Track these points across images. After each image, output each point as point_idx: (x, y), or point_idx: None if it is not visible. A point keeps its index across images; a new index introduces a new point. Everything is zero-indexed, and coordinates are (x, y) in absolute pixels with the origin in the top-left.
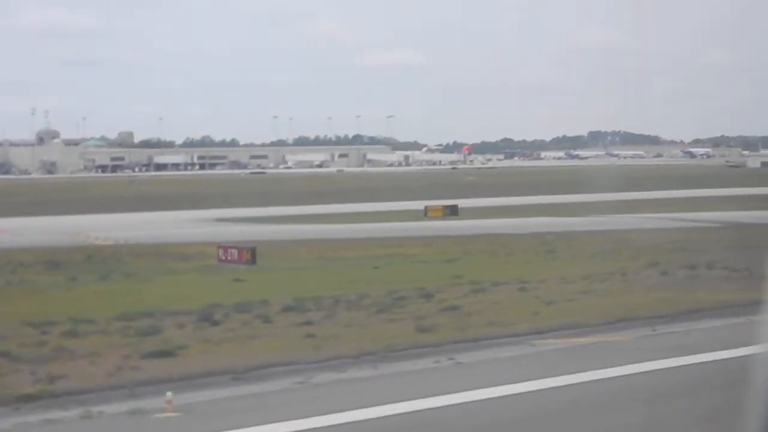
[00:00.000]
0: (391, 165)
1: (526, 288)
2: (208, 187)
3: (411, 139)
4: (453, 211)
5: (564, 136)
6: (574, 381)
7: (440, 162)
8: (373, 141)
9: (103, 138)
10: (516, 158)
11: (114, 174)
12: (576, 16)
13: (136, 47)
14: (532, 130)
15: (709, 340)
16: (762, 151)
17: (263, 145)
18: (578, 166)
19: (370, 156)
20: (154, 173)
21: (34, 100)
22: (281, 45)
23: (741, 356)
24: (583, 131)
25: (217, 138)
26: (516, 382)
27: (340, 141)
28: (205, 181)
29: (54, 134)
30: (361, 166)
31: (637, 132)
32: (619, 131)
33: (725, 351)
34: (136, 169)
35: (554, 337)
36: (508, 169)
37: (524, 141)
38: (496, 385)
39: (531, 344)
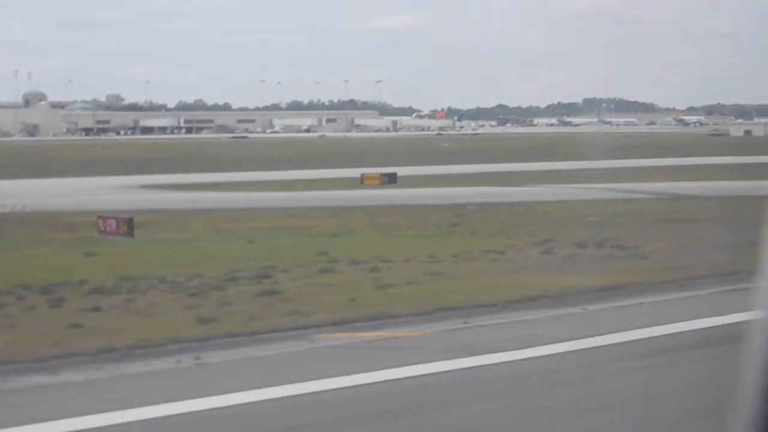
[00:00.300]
0: (379, 130)
1: (380, 268)
2: (174, 152)
3: (405, 105)
4: (391, 179)
5: (559, 103)
6: (315, 389)
7: (429, 128)
8: (366, 106)
9: (91, 101)
10: (509, 125)
11: (95, 137)
12: None
13: (132, 8)
14: (527, 96)
15: (502, 338)
16: (756, 120)
17: (256, 109)
18: (564, 133)
19: (358, 121)
20: (137, 136)
21: (25, 62)
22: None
23: (510, 360)
24: (578, 98)
25: (210, 102)
26: (255, 388)
27: (333, 106)
28: (177, 145)
29: (41, 96)
30: (349, 131)
31: (632, 99)
32: (615, 98)
33: (504, 353)
34: (122, 132)
35: (344, 330)
36: (495, 135)
37: (519, 107)
38: (228, 392)
39: (309, 340)
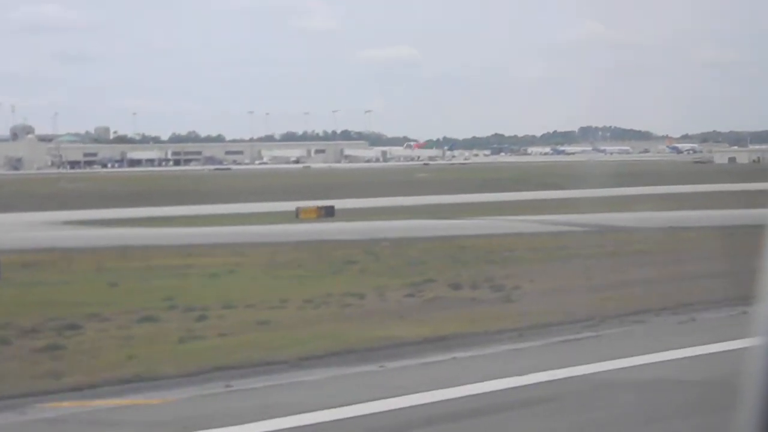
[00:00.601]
0: (368, 161)
1: (209, 317)
2: (142, 185)
3: (400, 135)
4: (328, 213)
5: (555, 132)
6: None
7: (419, 157)
8: (360, 137)
9: (78, 134)
10: (502, 153)
11: (79, 170)
12: (568, 11)
13: (126, 43)
14: (523, 125)
15: (252, 406)
16: (751, 147)
17: (250, 140)
18: (551, 162)
19: (347, 152)
20: (123, 169)
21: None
22: (266, 40)
23: None
24: (574, 127)
25: (203, 134)
26: None
27: (327, 137)
28: (152, 178)
29: (28, 129)
30: (339, 162)
31: (628, 127)
32: (610, 127)
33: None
34: (108, 165)
35: (86, 397)
36: (482, 164)
37: (515, 136)
38: None
39: (21, 412)
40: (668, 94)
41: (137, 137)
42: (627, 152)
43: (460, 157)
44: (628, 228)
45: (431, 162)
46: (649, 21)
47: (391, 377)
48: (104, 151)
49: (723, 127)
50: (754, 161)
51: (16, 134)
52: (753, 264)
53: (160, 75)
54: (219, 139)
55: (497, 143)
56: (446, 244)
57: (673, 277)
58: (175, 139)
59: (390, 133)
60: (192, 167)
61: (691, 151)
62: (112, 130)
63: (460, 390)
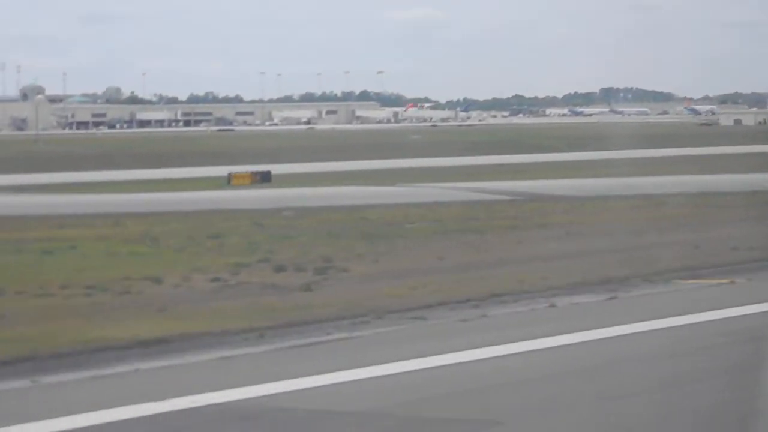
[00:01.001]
0: (380, 122)
1: None
2: (118, 147)
3: (421, 95)
4: (264, 178)
5: (576, 93)
6: None
7: (431, 118)
8: (379, 98)
9: (89, 95)
10: (521, 115)
11: (83, 131)
12: None
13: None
14: (544, 86)
15: None
16: None
17: (270, 101)
18: (563, 124)
19: (359, 113)
20: (132, 130)
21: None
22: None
23: None
24: (595, 88)
25: (221, 95)
26: None
27: (345, 97)
28: (143, 140)
29: (38, 90)
30: (351, 122)
31: (650, 89)
32: (632, 88)
33: None
34: (117, 126)
35: None
36: (492, 126)
37: (536, 98)
38: None
39: None
40: (691, 55)
41: (154, 98)
42: (645, 114)
43: (476, 118)
44: (559, 196)
45: (440, 124)
46: None
47: (35, 396)
48: (114, 112)
49: (744, 89)
50: (760, 123)
51: (26, 95)
52: None
53: (174, 36)
54: (236, 99)
55: (518, 104)
56: (349, 215)
57: (530, 258)
58: (193, 99)
59: (410, 95)
60: (195, 128)
61: (710, 113)
62: (128, 91)
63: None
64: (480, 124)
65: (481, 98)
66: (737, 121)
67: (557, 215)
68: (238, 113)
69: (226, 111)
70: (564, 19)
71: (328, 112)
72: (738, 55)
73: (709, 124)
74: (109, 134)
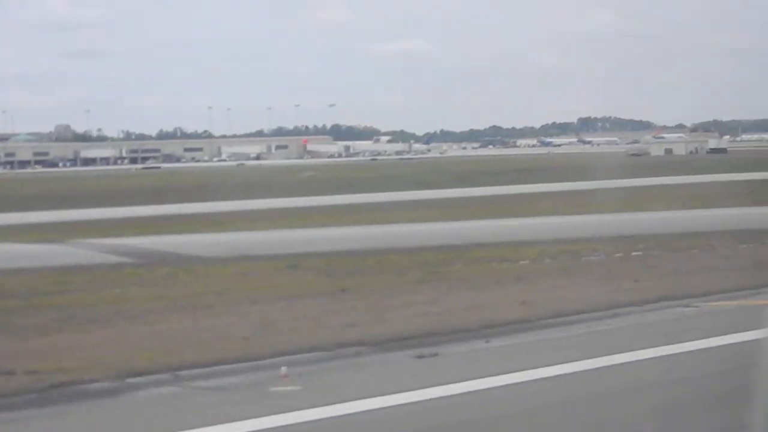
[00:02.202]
0: (331, 156)
1: None
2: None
3: (397, 128)
4: None
5: (553, 123)
6: None
7: (385, 152)
8: (351, 131)
9: (36, 133)
10: (491, 146)
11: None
12: (572, 2)
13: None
14: (522, 117)
15: None
16: (743, 136)
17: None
18: (511, 156)
19: (310, 147)
20: (75, 168)
21: None
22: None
23: None
24: (573, 118)
25: (189, 129)
26: None
27: (317, 131)
28: (48, 179)
29: None
30: (301, 157)
31: (628, 118)
32: (610, 117)
33: None
34: (60, 165)
35: None
36: (436, 160)
37: (513, 128)
38: None
39: None
40: (671, 83)
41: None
42: (615, 143)
43: (436, 150)
44: (198, 257)
45: (382, 158)
46: (657, 11)
47: None
48: (58, 150)
49: (725, 116)
50: (691, 152)
51: None
52: None
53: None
54: (206, 135)
55: (493, 135)
56: None
57: None
58: (164, 135)
59: (385, 127)
60: (120, 166)
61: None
62: (84, 129)
63: None
64: (431, 156)
65: (458, 130)
66: (668, 151)
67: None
68: (187, 149)
69: (175, 147)
70: (543, 50)
71: (278, 147)
72: (719, 82)
73: (639, 155)
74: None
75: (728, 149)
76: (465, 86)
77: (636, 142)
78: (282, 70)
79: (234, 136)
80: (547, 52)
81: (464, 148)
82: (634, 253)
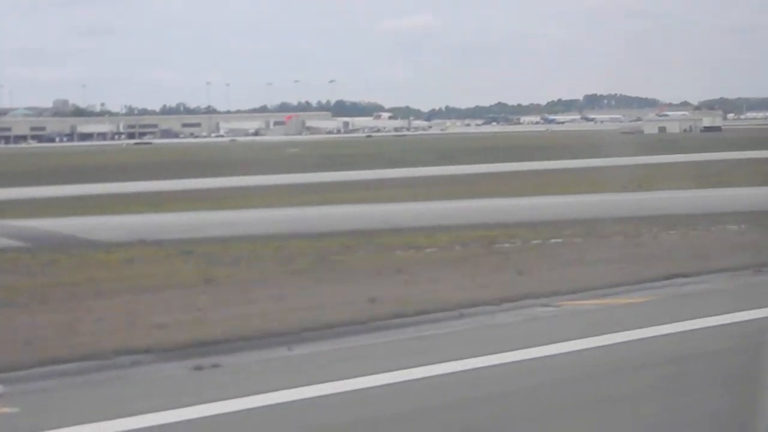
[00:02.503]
0: (329, 132)
1: None
2: None
3: (403, 105)
4: None
5: (559, 100)
6: None
7: (385, 128)
8: (355, 107)
9: (35, 108)
10: (494, 123)
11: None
12: None
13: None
14: (528, 94)
15: None
16: (748, 114)
17: (238, 111)
18: (509, 133)
19: (309, 123)
20: (70, 144)
21: None
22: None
23: None
24: (579, 95)
25: (192, 105)
26: None
27: (321, 107)
28: (17, 155)
29: None
30: (300, 133)
31: (634, 95)
32: (616, 94)
33: None
34: (57, 140)
35: None
36: (434, 137)
37: (519, 105)
38: None
39: None
40: (679, 60)
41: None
42: (618, 121)
43: (438, 127)
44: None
45: (377, 134)
46: None
47: None
48: (55, 125)
49: (732, 94)
50: (685, 130)
51: None
52: None
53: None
54: (209, 110)
55: (499, 112)
56: None
57: None
58: (167, 111)
59: (389, 104)
60: (116, 142)
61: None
62: (60, 102)
63: None
64: (429, 133)
65: (463, 106)
66: (662, 129)
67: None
68: (185, 125)
69: (173, 123)
70: (551, 27)
71: (276, 123)
72: (727, 60)
73: (632, 133)
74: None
75: (723, 127)
76: (471, 63)
77: (639, 119)
78: (286, 46)
79: (238, 111)
80: (553, 29)
81: (468, 125)
82: (553, 240)
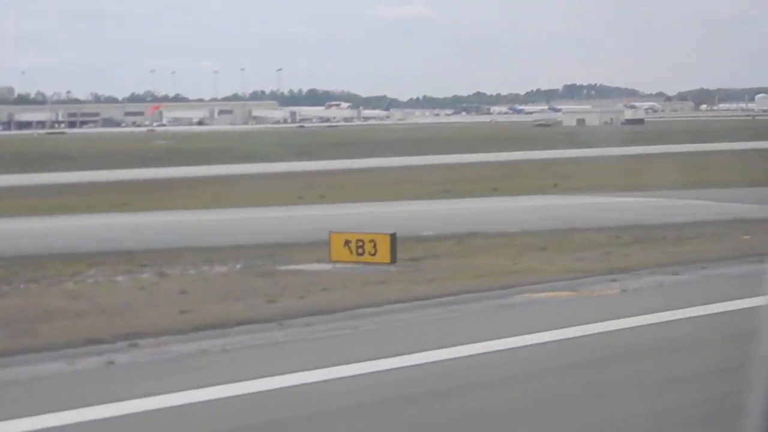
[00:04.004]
0: (276, 122)
1: None
2: None
3: (380, 94)
4: None
5: (538, 90)
6: None
7: (334, 118)
8: (329, 96)
9: None
10: (463, 114)
11: None
12: None
13: None
14: (507, 84)
15: None
16: (720, 105)
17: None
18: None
19: (255, 112)
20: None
21: None
22: None
23: None
24: (558, 85)
25: (161, 93)
26: None
27: (294, 96)
28: None
29: None
30: (246, 123)
31: (614, 85)
32: (596, 85)
33: None
34: None
35: None
36: (375, 127)
37: (498, 95)
38: None
39: None
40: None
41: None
42: (588, 111)
43: (395, 117)
44: None
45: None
46: None
47: None
48: None
49: (712, 85)
50: (606, 123)
51: None
52: None
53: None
54: (177, 99)
55: (477, 102)
56: None
57: None
58: (136, 98)
59: (366, 93)
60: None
61: (650, 110)
62: (5, 90)
63: None
64: (375, 124)
65: (441, 96)
66: (580, 121)
67: None
68: (128, 113)
69: (115, 111)
70: (532, 18)
71: (221, 112)
72: (709, 50)
73: (547, 125)
74: None
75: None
76: (453, 53)
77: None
78: (264, 32)
79: (213, 99)
80: (534, 20)
81: (437, 115)
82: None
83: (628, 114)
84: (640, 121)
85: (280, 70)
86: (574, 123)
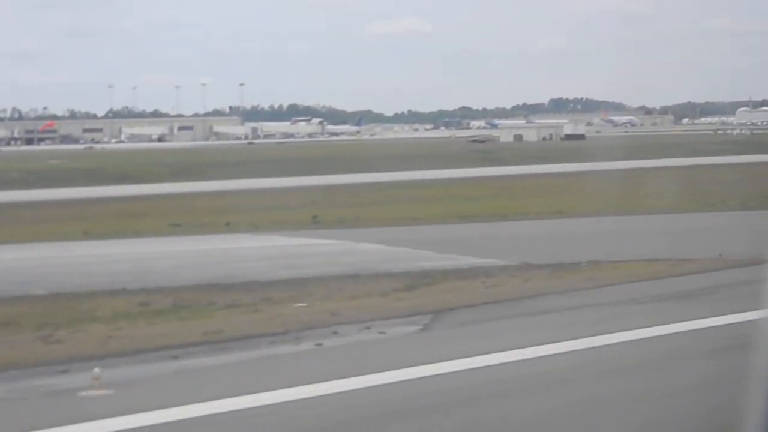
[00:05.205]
0: (237, 138)
1: None
2: None
3: (365, 108)
4: None
5: (524, 104)
6: None
7: (298, 134)
8: (309, 111)
9: None
10: (442, 128)
11: None
12: None
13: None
14: (494, 98)
15: None
16: (702, 119)
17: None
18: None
19: (217, 128)
20: None
21: None
22: None
23: None
24: (545, 99)
25: (149, 109)
26: None
27: (273, 110)
28: None
29: None
30: (207, 139)
31: (601, 99)
32: (582, 98)
33: None
34: None
35: None
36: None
37: (485, 109)
38: None
39: None
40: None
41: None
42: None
43: (366, 132)
44: None
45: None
46: None
47: None
48: None
49: (698, 98)
50: (544, 138)
51: None
52: None
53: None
54: (156, 114)
55: (463, 117)
56: None
57: None
58: (116, 114)
59: (351, 108)
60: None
61: (628, 125)
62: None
63: None
64: (337, 140)
65: (426, 110)
66: (518, 137)
67: None
68: (86, 130)
69: (73, 128)
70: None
71: (180, 128)
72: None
73: (482, 141)
74: None
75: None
76: (439, 67)
77: (589, 124)
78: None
79: (206, 114)
80: (521, 34)
81: (416, 130)
82: None
83: (568, 129)
84: (581, 137)
85: (242, 84)
86: (511, 139)
